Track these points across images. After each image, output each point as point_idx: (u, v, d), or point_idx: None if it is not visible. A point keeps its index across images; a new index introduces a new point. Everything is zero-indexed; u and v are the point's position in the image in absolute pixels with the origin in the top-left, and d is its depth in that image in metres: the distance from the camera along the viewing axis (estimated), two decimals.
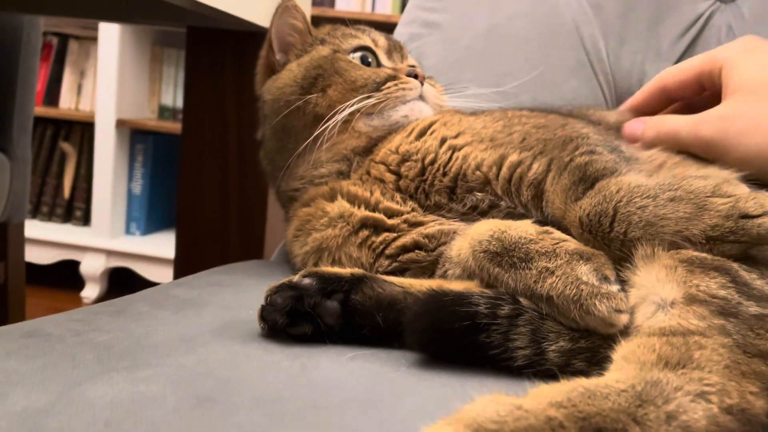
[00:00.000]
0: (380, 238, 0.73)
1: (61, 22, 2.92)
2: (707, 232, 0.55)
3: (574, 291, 0.52)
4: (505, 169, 0.72)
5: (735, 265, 0.54)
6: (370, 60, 0.86)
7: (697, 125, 0.72)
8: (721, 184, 0.57)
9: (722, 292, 0.51)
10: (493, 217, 0.72)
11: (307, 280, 0.59)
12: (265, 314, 0.58)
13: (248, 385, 0.50)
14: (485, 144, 0.75)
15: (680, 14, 1.05)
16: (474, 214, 0.73)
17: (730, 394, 0.44)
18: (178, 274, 1.27)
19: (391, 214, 0.74)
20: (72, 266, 2.84)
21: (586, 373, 0.52)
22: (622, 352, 0.48)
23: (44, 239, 2.80)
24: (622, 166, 0.65)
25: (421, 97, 0.83)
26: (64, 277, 2.90)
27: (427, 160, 0.75)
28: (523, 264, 0.55)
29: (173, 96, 2.94)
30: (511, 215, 0.71)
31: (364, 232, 0.74)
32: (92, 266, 2.81)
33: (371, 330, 0.58)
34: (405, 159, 0.76)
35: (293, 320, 0.58)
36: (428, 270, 0.72)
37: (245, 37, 1.25)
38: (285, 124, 0.84)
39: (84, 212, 2.94)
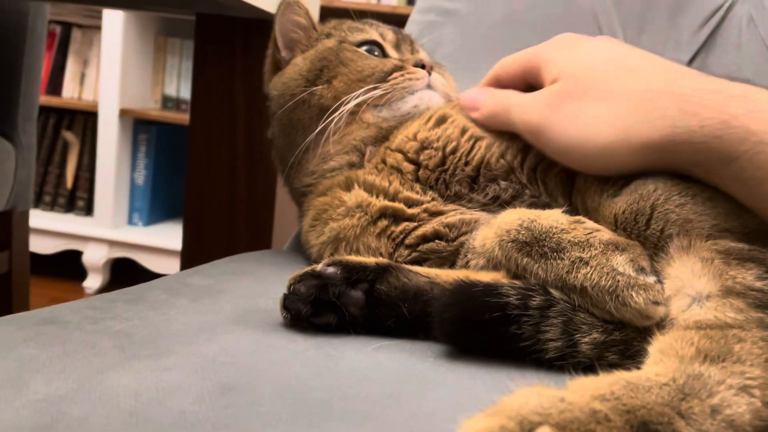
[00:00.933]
0: (400, 228, 0.72)
1: (65, 11, 2.90)
2: (750, 225, 0.54)
3: (609, 282, 0.51)
4: (531, 158, 0.70)
5: None
6: (376, 53, 0.85)
7: (525, 107, 0.68)
8: None
9: (759, 284, 0.50)
10: (515, 207, 0.71)
11: (331, 269, 0.57)
12: (288, 303, 0.57)
13: (273, 375, 0.48)
14: (506, 134, 0.73)
15: (700, 4, 1.04)
16: (495, 204, 0.72)
17: None
18: (185, 266, 1.26)
19: (410, 203, 0.73)
20: (74, 256, 2.83)
21: (619, 366, 0.51)
22: (658, 345, 0.47)
23: (47, 229, 2.79)
24: None
25: (430, 86, 0.82)
26: (67, 267, 2.89)
27: (448, 149, 0.74)
28: (555, 254, 0.54)
29: (177, 86, 2.92)
30: (535, 205, 0.70)
31: (383, 222, 0.72)
32: (95, 256, 2.80)
33: (396, 321, 0.56)
34: (424, 147, 0.75)
35: (317, 310, 0.56)
36: (448, 260, 0.71)
37: (255, 25, 1.23)
38: (291, 118, 0.83)
39: (86, 202, 2.93)
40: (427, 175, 0.74)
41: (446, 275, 0.59)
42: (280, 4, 0.86)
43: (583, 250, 0.53)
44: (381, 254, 0.72)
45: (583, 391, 0.39)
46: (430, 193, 0.73)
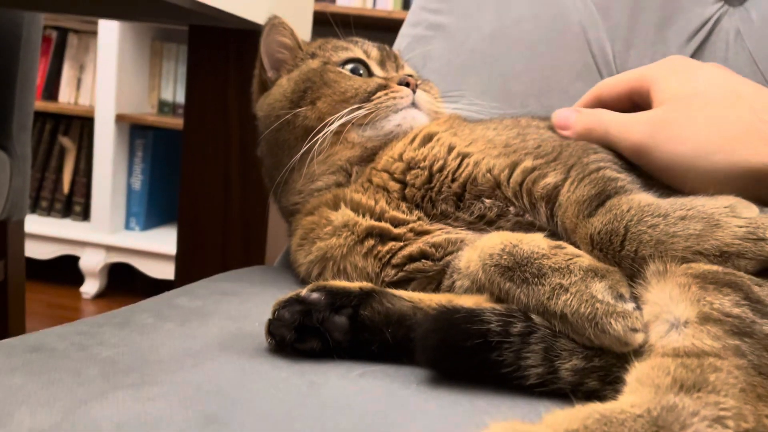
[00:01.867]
0: (386, 248, 0.72)
1: (61, 16, 2.90)
2: (721, 247, 0.55)
3: (589, 309, 0.52)
4: (517, 173, 0.71)
5: (747, 280, 0.54)
6: (361, 71, 0.85)
7: (628, 126, 0.71)
8: (734, 204, 0.57)
9: (736, 311, 0.51)
10: (500, 227, 0.72)
11: (315, 295, 0.58)
12: (272, 329, 0.58)
13: (256, 404, 0.49)
14: (498, 150, 0.74)
15: (688, 18, 1.04)
16: (481, 223, 0.73)
17: (747, 418, 0.43)
18: (179, 271, 1.26)
19: (397, 223, 0.74)
20: (71, 261, 2.84)
21: (599, 392, 0.51)
22: (636, 374, 0.47)
23: (43, 234, 2.79)
24: (634, 185, 0.65)
25: (414, 105, 0.82)
26: (64, 273, 2.89)
27: (435, 167, 0.74)
28: (536, 279, 0.55)
29: (173, 91, 2.92)
30: (520, 224, 0.71)
31: (370, 242, 0.73)
32: (92, 261, 2.80)
33: (380, 346, 0.57)
34: (410, 167, 0.75)
35: (301, 335, 0.57)
36: (435, 280, 0.71)
37: (249, 35, 1.23)
38: (277, 139, 0.84)
39: (83, 207, 2.93)
40: (414, 193, 0.75)
41: (429, 300, 0.60)
42: (265, 24, 0.86)
43: (564, 276, 0.54)
44: (368, 274, 0.72)
45: (556, 425, 0.40)
46: (417, 212, 0.74)
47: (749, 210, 0.57)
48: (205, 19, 1.20)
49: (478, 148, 0.75)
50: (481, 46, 1.07)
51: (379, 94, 0.80)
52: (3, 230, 1.67)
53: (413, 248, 0.72)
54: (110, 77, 2.69)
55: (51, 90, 2.98)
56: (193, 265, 1.27)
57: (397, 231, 0.73)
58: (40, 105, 2.84)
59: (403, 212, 0.74)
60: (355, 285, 0.60)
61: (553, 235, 0.67)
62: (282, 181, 0.83)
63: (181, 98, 2.88)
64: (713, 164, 0.64)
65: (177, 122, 2.72)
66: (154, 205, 2.93)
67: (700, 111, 0.67)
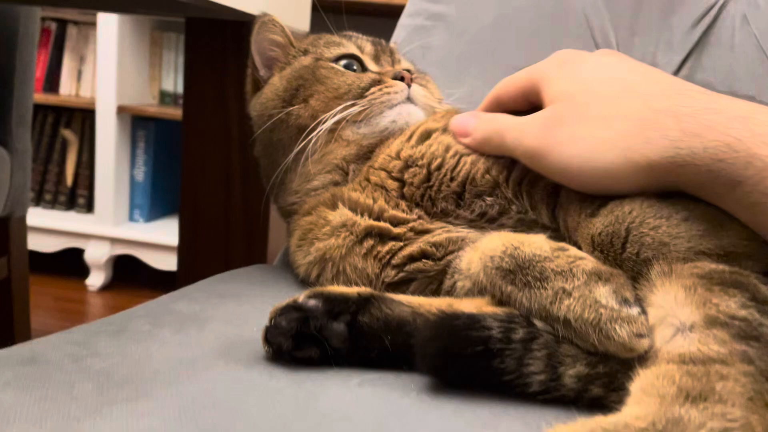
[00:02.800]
0: (386, 248, 0.71)
1: (59, 8, 2.88)
2: (726, 247, 0.53)
3: (593, 315, 0.50)
4: (516, 172, 0.70)
5: (754, 279, 0.52)
6: (355, 67, 0.83)
7: (522, 130, 0.66)
8: None
9: (742, 312, 0.49)
10: (503, 224, 0.70)
11: (312, 302, 0.57)
12: (269, 337, 0.56)
13: (254, 416, 0.48)
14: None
15: (693, 3, 1.02)
16: (483, 221, 0.71)
17: (754, 428, 0.42)
18: (181, 263, 1.25)
19: (396, 222, 0.72)
20: (76, 254, 2.84)
21: (603, 399, 0.50)
22: (640, 383, 0.46)
23: (48, 227, 2.79)
24: None
25: (410, 100, 0.80)
26: (69, 265, 2.90)
27: (433, 166, 0.73)
28: (538, 283, 0.53)
29: (174, 81, 2.91)
30: (522, 222, 0.69)
31: (369, 242, 0.72)
32: (96, 254, 2.80)
33: (379, 353, 0.56)
34: (408, 165, 0.74)
35: (299, 343, 0.56)
36: (436, 280, 0.70)
37: (247, 27, 1.22)
38: (271, 139, 0.82)
39: (87, 199, 2.92)
40: (413, 191, 0.73)
41: (429, 305, 0.59)
42: (255, 22, 0.84)
43: (566, 280, 0.53)
44: (368, 275, 0.71)
45: None
46: (416, 210, 0.73)
47: None
48: (202, 11, 1.18)
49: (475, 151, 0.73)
50: (482, 35, 1.05)
51: (372, 89, 0.78)
52: (5, 227, 1.67)
53: (413, 248, 0.70)
54: (110, 69, 2.67)
55: (52, 82, 2.97)
56: (195, 257, 1.27)
57: (396, 230, 0.72)
58: (41, 98, 2.83)
59: (403, 211, 0.73)
60: (353, 290, 0.59)
61: (556, 233, 0.66)
62: (278, 181, 0.81)
63: (182, 88, 2.86)
64: (610, 163, 0.59)
65: (178, 113, 2.70)
66: (157, 197, 2.92)
67: (588, 108, 0.62)
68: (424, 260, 0.70)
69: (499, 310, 0.55)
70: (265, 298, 0.73)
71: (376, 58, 0.85)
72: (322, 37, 0.87)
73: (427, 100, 0.82)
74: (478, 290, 0.59)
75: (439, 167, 0.72)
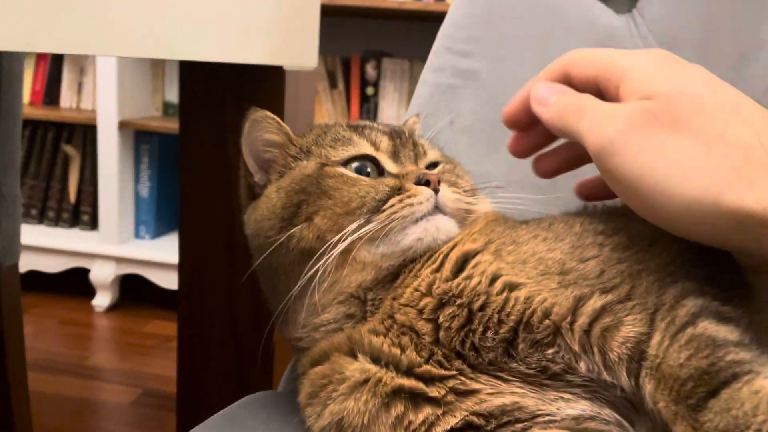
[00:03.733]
0: (420, 417, 0.57)
1: None
2: None
3: None
4: (583, 318, 0.55)
5: None
6: (369, 170, 0.67)
7: (605, 117, 0.53)
8: None
9: None
10: (570, 381, 0.56)
11: None
12: None
13: None
14: (553, 278, 0.58)
15: None
16: (543, 377, 0.57)
17: None
18: (183, 283, 1.15)
19: (431, 378, 0.58)
20: (82, 273, 2.75)
21: None
22: None
23: (52, 247, 2.71)
24: (755, 356, 0.48)
25: (438, 209, 0.64)
26: (75, 285, 2.80)
27: (475, 306, 0.58)
28: None
29: (177, 91, 2.77)
30: (592, 392, 0.55)
31: (399, 407, 0.57)
32: (102, 274, 2.72)
33: None
34: (443, 303, 0.59)
35: None
36: None
37: (247, 69, 1.09)
38: (270, 263, 0.67)
39: (91, 216, 2.83)
40: (450, 337, 0.59)
41: None
42: (245, 119, 0.69)
43: None
44: None
45: None
46: (457, 362, 0.58)
47: None
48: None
49: (529, 275, 0.58)
50: None
51: (391, 201, 0.63)
52: None
53: (456, 419, 0.56)
54: (111, 82, 2.56)
55: (52, 95, 2.87)
56: (197, 276, 1.15)
57: (433, 392, 0.57)
58: (41, 113, 2.73)
59: (439, 363, 0.58)
60: None
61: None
62: (283, 310, 0.66)
63: None
64: (694, 198, 0.48)
65: None
66: (163, 212, 2.82)
67: (691, 121, 0.50)
68: None
69: None
70: None
71: (395, 155, 0.69)
72: (328, 130, 0.71)
73: (459, 204, 0.66)
74: None
75: (483, 307, 0.58)
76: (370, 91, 2.70)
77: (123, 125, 2.59)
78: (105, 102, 2.57)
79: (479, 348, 0.58)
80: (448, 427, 0.56)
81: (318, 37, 1.23)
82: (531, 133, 0.66)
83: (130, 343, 2.55)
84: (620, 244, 0.60)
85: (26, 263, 2.73)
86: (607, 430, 0.53)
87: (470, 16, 0.96)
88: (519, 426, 0.55)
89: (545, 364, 0.56)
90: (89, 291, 2.78)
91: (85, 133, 2.80)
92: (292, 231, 0.63)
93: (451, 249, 0.62)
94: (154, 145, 2.71)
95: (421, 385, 0.58)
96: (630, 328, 0.53)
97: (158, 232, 2.81)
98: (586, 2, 0.96)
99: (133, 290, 2.82)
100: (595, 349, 0.54)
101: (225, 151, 1.12)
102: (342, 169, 0.66)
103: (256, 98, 1.02)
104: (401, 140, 0.70)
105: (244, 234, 0.72)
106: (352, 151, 0.67)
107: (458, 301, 0.59)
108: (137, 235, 2.79)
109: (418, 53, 2.52)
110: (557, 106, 0.59)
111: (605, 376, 0.54)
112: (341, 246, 0.61)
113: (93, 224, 2.83)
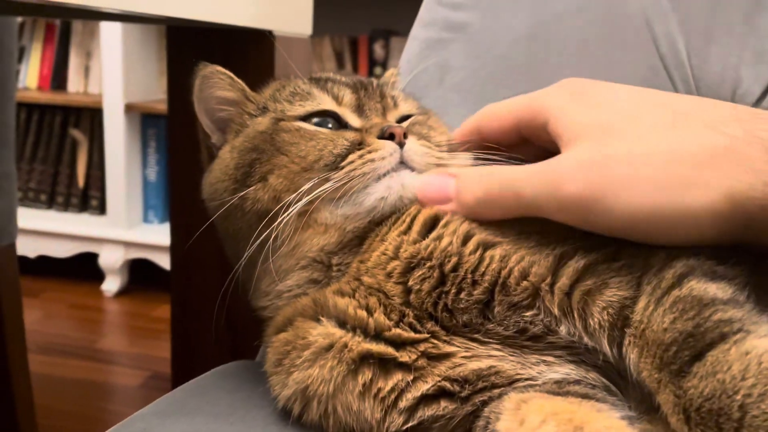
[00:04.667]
0: (389, 384, 0.52)
1: None
2: None
3: None
4: (564, 278, 0.50)
5: None
6: (330, 125, 0.62)
7: (552, 179, 0.50)
8: None
9: None
10: (551, 343, 0.51)
11: None
12: None
13: None
14: (532, 236, 0.53)
15: None
16: (522, 338, 0.52)
17: None
18: (175, 265, 1.15)
19: (401, 343, 0.53)
20: (92, 257, 2.74)
21: None
22: None
23: (61, 232, 2.70)
24: (747, 314, 0.43)
25: (404, 164, 0.58)
26: (85, 269, 2.80)
27: (447, 267, 0.53)
28: None
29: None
30: (575, 353, 0.50)
31: (367, 374, 0.52)
32: (111, 258, 2.71)
33: None
34: (412, 266, 0.54)
35: None
36: (460, 427, 0.51)
37: (236, 33, 1.04)
38: (227, 229, 0.62)
39: (100, 201, 2.81)
40: (421, 299, 0.53)
41: None
42: (195, 77, 0.64)
43: None
44: (366, 419, 0.52)
45: None
46: (429, 323, 0.53)
47: None
48: (184, 21, 1.01)
49: (505, 234, 0.53)
50: (515, 50, 0.83)
51: (351, 157, 0.57)
52: None
53: (427, 384, 0.51)
54: (116, 66, 2.53)
55: (59, 79, 2.86)
56: (189, 259, 1.13)
57: (403, 356, 0.52)
58: (48, 97, 2.73)
59: (410, 326, 0.53)
60: None
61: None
62: (247, 278, 0.61)
63: None
64: (692, 201, 0.47)
65: None
66: None
67: (641, 140, 0.50)
68: (442, 401, 0.51)
69: None
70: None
71: (359, 109, 0.63)
72: (286, 85, 0.65)
73: (428, 159, 0.60)
74: None
75: (455, 268, 0.53)
76: (378, 71, 2.64)
77: (129, 108, 2.57)
78: (111, 85, 2.55)
79: (453, 310, 0.53)
80: (419, 394, 0.51)
81: (312, 3, 1.18)
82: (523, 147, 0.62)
83: (138, 327, 2.54)
84: None
85: (36, 248, 2.73)
86: (592, 393, 0.48)
87: None
88: (496, 392, 0.50)
89: (524, 326, 0.51)
90: (98, 275, 2.77)
91: (92, 118, 2.78)
92: (245, 192, 0.58)
93: (419, 210, 0.57)
94: (161, 128, 2.68)
95: (390, 350, 0.53)
96: (614, 291, 0.49)
97: (167, 216, 2.78)
98: None
99: (142, 275, 2.81)
100: (576, 314, 0.49)
101: None
102: (299, 123, 0.61)
103: (243, 66, 0.97)
104: (367, 92, 0.64)
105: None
106: (309, 107, 0.62)
107: (428, 264, 0.53)
108: (146, 219, 2.77)
109: None
110: (470, 194, 0.55)
111: (587, 341, 0.49)
112: (297, 206, 0.55)
113: (102, 209, 2.81)
